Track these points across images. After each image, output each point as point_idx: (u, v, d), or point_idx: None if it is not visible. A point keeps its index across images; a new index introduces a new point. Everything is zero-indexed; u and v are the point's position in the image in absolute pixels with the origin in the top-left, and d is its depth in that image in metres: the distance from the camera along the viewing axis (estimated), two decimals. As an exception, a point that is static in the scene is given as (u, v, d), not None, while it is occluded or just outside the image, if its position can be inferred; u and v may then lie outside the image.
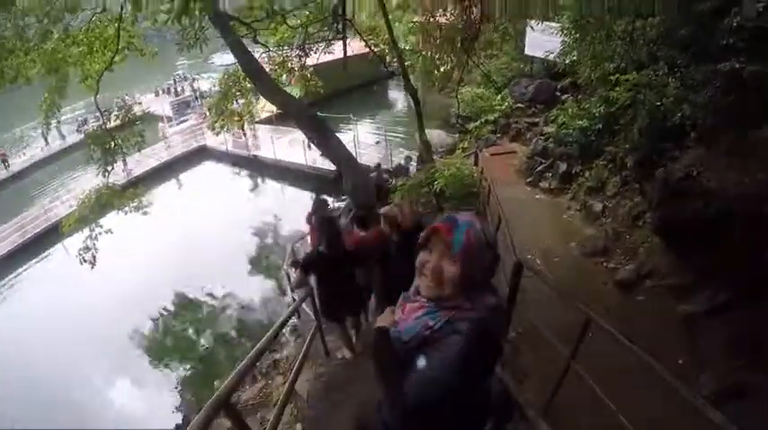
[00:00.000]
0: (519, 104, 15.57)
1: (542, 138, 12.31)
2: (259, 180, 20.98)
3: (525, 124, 14.92)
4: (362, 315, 5.51)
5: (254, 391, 6.83)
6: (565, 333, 3.56)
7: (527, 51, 15.45)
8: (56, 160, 25.39)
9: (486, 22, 11.23)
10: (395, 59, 11.74)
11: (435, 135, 16.22)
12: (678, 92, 7.05)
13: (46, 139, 25.59)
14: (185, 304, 13.33)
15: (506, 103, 15.60)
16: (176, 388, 10.55)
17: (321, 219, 5.25)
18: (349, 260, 4.67)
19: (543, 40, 12.61)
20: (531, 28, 13.20)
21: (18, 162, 25.63)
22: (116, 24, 9.51)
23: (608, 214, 8.69)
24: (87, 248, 10.75)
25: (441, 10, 10.74)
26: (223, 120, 13.00)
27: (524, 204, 10.17)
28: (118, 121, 11.20)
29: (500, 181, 10.05)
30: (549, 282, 4.38)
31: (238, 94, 12.83)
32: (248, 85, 12.85)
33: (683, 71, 7.19)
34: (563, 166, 10.66)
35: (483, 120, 15.32)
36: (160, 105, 28.04)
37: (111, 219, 14.48)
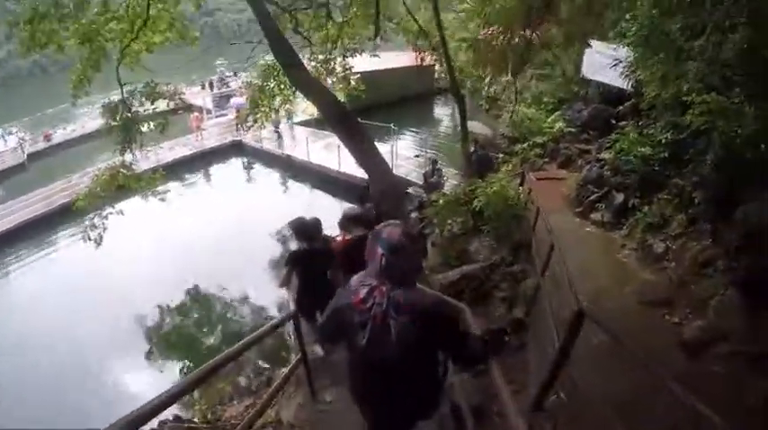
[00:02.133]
0: (570, 129, 14.35)
1: (597, 165, 11.21)
2: (290, 181, 20.59)
3: (576, 150, 13.69)
4: None
5: (239, 409, 6.28)
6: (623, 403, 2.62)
7: (583, 73, 14.52)
8: (95, 138, 25.30)
9: (545, 44, 10.57)
10: (444, 74, 11.31)
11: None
12: (758, 121, 5.93)
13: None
14: (196, 298, 13.12)
15: (557, 127, 14.48)
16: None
17: (306, 220, 5.44)
18: (328, 258, 5.10)
19: (602, 63, 11.74)
20: (589, 44, 12.32)
21: (59, 134, 27.73)
22: (159, 5, 9.27)
23: (671, 257, 7.39)
24: (94, 226, 10.56)
25: (496, 27, 10.12)
26: (257, 113, 12.45)
27: (572, 236, 8.83)
28: (154, 106, 10.69)
29: (545, 208, 8.89)
30: (617, 337, 3.36)
31: (276, 89, 12.30)
32: (287, 81, 12.38)
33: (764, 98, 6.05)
34: (619, 198, 9.40)
35: (531, 142, 14.31)
36: (202, 98, 28.47)
37: (132, 203, 15.14)
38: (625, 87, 10.40)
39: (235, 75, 31.06)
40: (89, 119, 27.14)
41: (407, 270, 2.28)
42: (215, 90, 29.97)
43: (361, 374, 2.46)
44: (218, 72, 32.43)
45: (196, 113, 25.26)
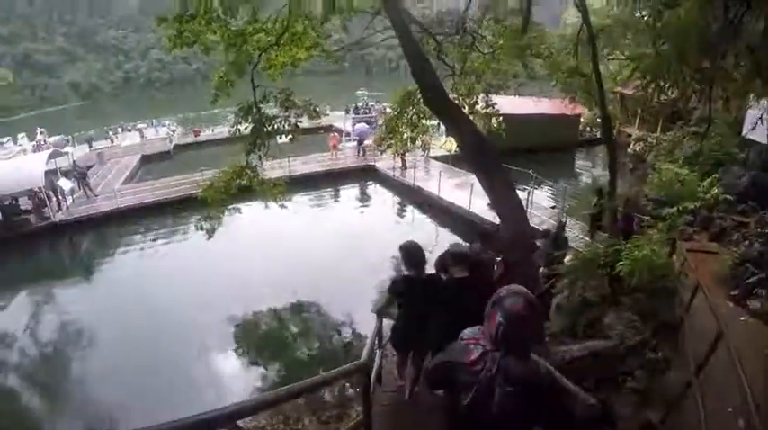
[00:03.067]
0: (727, 196, 12.33)
1: (758, 241, 9.60)
2: (416, 212, 20.28)
3: (732, 222, 12.02)
4: (428, 358, 4.56)
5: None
6: None
7: (745, 133, 12.93)
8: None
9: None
10: (589, 126, 10.36)
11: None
12: None
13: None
14: (299, 309, 13.14)
15: (712, 193, 12.46)
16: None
17: (417, 245, 4.91)
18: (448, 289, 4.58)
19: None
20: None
21: (207, 134, 32.13)
22: (305, 22, 9.48)
23: None
24: (210, 217, 10.92)
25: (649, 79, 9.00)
26: (392, 139, 12.30)
27: (724, 325, 7.42)
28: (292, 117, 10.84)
29: (692, 287, 7.51)
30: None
31: (415, 116, 12.07)
32: (426, 110, 12.13)
33: None
34: (785, 283, 7.86)
35: (680, 207, 12.57)
36: (343, 122, 30.47)
37: (253, 207, 17.16)
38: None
39: (376, 103, 32.97)
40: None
41: (524, 341, 2.25)
42: (355, 115, 31.52)
43: (461, 427, 2.43)
44: (362, 99, 34.67)
45: (335, 134, 26.66)
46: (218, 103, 9.96)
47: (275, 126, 9.97)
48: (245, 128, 9.90)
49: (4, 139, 31.33)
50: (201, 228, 11.16)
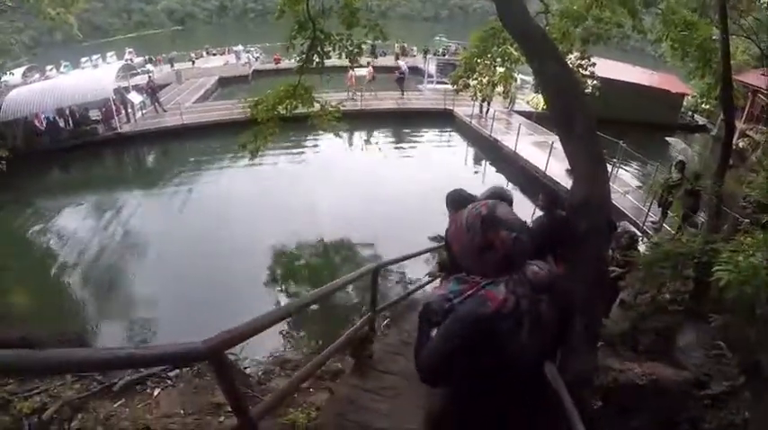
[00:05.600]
0: None
1: None
2: (488, 166, 18.96)
3: None
4: None
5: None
6: None
7: None
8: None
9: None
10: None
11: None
12: None
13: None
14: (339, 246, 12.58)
15: None
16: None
17: (466, 193, 4.02)
18: None
19: None
20: None
21: (287, 62, 31.85)
22: None
23: None
24: (256, 138, 10.47)
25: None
26: (468, 77, 11.19)
27: None
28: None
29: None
30: None
31: (498, 58, 10.51)
32: (513, 52, 10.44)
33: None
34: None
35: None
36: (426, 64, 29.31)
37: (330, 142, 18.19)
38: None
39: (457, 47, 32.22)
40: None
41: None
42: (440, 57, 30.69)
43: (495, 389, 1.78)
44: (440, 43, 35.52)
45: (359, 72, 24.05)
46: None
47: (335, 45, 9.30)
48: (302, 44, 9.33)
49: (94, 57, 32.88)
50: (244, 146, 10.57)
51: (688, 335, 5.37)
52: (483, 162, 19.44)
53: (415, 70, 30.17)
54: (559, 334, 1.89)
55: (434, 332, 1.77)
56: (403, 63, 26.92)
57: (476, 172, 18.85)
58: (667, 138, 17.10)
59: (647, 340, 5.49)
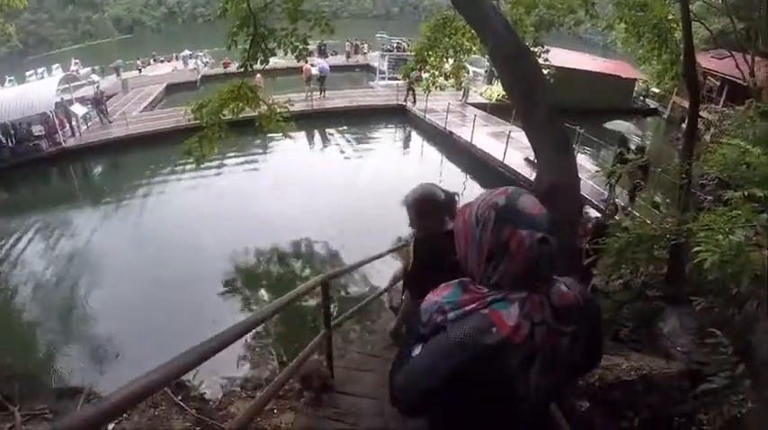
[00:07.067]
0: None
1: None
2: (444, 159, 18.80)
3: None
4: None
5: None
6: None
7: None
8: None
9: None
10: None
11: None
12: None
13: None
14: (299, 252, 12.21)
15: None
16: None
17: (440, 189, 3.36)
18: None
19: None
20: None
21: (234, 67, 31.31)
22: None
23: None
24: (201, 141, 9.97)
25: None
26: (420, 69, 11.26)
27: None
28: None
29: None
30: None
31: (451, 49, 10.25)
32: (465, 42, 10.21)
33: None
34: None
35: (746, 192, 10.07)
36: (378, 60, 29.28)
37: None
38: None
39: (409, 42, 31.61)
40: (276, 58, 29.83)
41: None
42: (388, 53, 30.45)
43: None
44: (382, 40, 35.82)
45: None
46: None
47: (280, 41, 8.71)
48: (245, 41, 8.78)
49: (39, 70, 31.43)
50: (188, 153, 10.12)
51: (671, 321, 5.05)
52: (439, 155, 19.23)
53: (366, 68, 31.14)
54: (582, 367, 1.56)
55: (418, 349, 1.33)
56: (320, 61, 25.83)
57: (431, 166, 18.61)
58: (605, 124, 17.17)
59: (628, 329, 5.20)
